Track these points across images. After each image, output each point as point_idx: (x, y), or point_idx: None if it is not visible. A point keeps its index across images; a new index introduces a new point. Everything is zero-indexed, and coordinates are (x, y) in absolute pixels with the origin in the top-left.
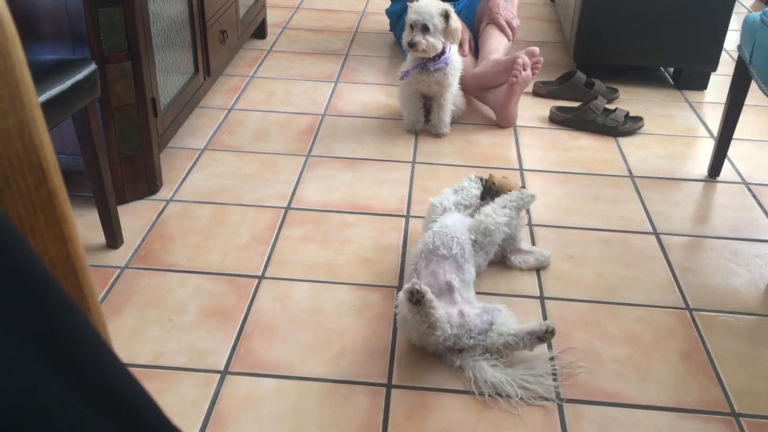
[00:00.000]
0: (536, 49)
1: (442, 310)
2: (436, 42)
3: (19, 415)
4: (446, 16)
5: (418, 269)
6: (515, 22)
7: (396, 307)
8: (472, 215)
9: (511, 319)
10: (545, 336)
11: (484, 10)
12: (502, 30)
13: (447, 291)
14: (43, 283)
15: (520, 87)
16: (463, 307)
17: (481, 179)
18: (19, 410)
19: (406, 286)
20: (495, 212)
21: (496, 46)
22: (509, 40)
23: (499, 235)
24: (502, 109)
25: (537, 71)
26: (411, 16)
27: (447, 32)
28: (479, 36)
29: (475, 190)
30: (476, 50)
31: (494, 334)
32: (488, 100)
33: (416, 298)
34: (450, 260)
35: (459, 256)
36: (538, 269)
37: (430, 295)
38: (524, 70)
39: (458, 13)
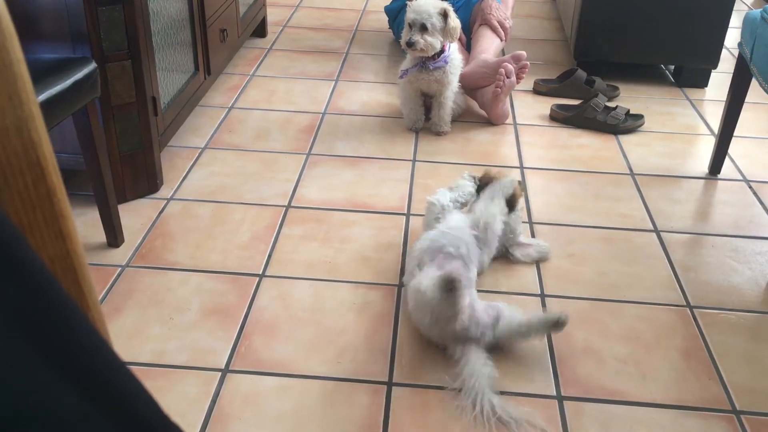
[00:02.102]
0: (523, 53)
1: (466, 300)
2: (434, 41)
3: (17, 412)
4: (445, 15)
5: (422, 264)
6: (508, 23)
7: (408, 292)
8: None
9: (517, 312)
10: (558, 323)
11: (478, 10)
12: (494, 31)
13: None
14: (42, 281)
15: (505, 94)
16: (476, 303)
17: (474, 177)
18: (16, 408)
19: (442, 274)
20: (487, 206)
21: (487, 46)
22: (501, 40)
23: (498, 224)
24: (490, 110)
25: (523, 76)
26: (409, 15)
27: (445, 31)
28: (471, 36)
29: (470, 187)
30: (468, 48)
31: (503, 324)
32: (477, 99)
33: (451, 286)
34: (458, 259)
35: (466, 257)
36: (540, 261)
37: (460, 284)
38: (508, 77)
39: (456, 11)
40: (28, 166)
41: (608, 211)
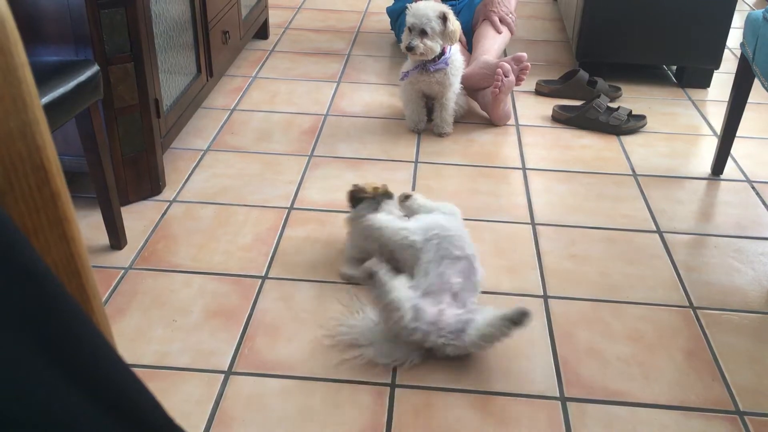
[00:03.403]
0: (524, 55)
1: (403, 295)
2: (434, 45)
3: (21, 413)
4: (444, 18)
5: (428, 271)
6: (510, 18)
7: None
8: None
9: (492, 314)
10: (520, 319)
11: (482, 8)
12: (495, 26)
13: (447, 293)
14: (46, 284)
15: (504, 93)
16: (447, 308)
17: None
18: (20, 408)
19: (365, 265)
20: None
21: (488, 46)
22: (500, 33)
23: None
24: (491, 111)
25: (525, 77)
26: (409, 19)
27: (445, 34)
28: (473, 35)
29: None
30: (470, 49)
31: (472, 330)
32: (478, 100)
33: (368, 277)
34: (464, 261)
35: (472, 255)
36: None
37: (383, 278)
38: (506, 76)
39: (458, 12)
40: (33, 170)
41: (611, 211)
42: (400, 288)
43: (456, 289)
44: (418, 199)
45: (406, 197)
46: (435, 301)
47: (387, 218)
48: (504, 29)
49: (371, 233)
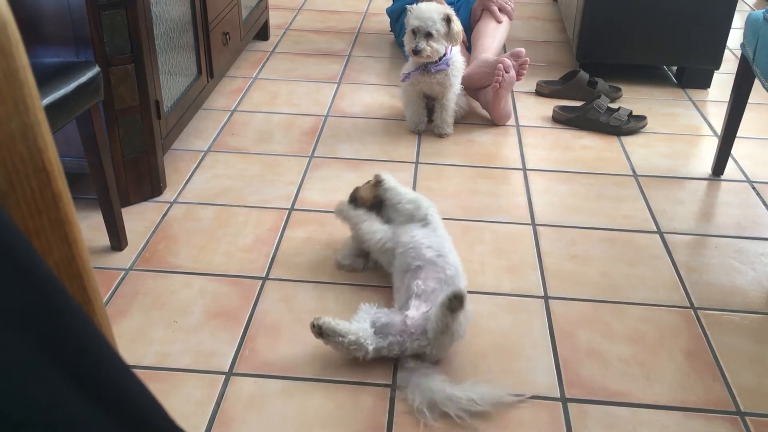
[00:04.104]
0: (522, 50)
1: (354, 328)
2: (439, 47)
3: (22, 414)
4: (448, 20)
5: (399, 288)
6: (509, 6)
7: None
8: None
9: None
10: (452, 304)
11: (479, 2)
12: (495, 16)
13: (411, 297)
14: (47, 285)
15: (505, 90)
16: (414, 311)
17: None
18: (21, 409)
19: (312, 321)
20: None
21: (488, 45)
22: (500, 22)
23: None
24: (493, 109)
25: (524, 72)
26: (413, 21)
27: (449, 36)
28: (472, 32)
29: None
30: (469, 48)
31: (429, 325)
32: (479, 99)
33: (317, 332)
34: (427, 266)
35: (436, 256)
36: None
37: (330, 325)
38: (507, 72)
39: (457, 11)
40: (34, 172)
41: (611, 212)
42: (353, 328)
43: (419, 291)
44: (387, 181)
45: (378, 182)
46: (402, 309)
47: (370, 224)
48: (504, 18)
49: (353, 230)
